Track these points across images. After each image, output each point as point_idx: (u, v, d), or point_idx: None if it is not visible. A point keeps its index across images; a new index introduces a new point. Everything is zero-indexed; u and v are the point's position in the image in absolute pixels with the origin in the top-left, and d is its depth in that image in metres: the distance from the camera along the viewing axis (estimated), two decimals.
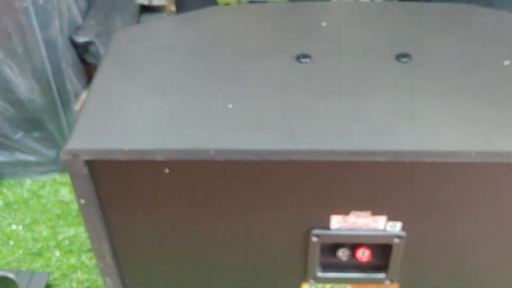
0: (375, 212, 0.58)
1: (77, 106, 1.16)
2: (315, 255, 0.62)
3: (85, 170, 0.55)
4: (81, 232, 1.02)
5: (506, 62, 0.61)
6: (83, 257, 0.97)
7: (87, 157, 0.54)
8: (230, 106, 0.57)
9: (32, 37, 1.01)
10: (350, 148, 0.52)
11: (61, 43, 1.09)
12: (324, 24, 0.71)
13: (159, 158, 0.53)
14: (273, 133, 0.54)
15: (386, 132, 0.53)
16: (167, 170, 0.55)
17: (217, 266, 0.65)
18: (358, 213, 0.58)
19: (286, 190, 0.57)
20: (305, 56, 0.64)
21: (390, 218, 0.58)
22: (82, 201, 0.58)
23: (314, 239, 0.60)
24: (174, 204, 0.59)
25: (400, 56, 0.63)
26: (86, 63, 1.19)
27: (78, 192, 0.57)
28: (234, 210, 0.59)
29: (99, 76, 0.64)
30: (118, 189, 0.58)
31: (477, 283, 0.64)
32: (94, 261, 0.94)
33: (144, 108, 0.59)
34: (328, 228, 0.60)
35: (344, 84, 0.60)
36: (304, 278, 0.65)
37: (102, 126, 0.57)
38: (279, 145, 0.52)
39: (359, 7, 0.73)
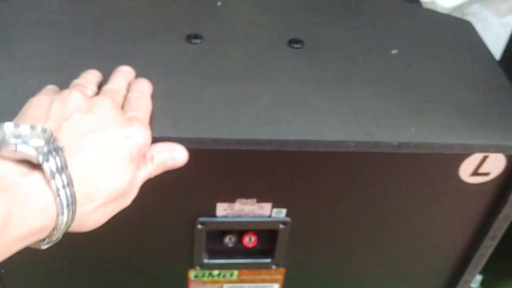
0: (261, 199, 0.58)
1: None
2: (201, 242, 0.61)
3: None
4: None
5: (394, 51, 0.62)
6: None
7: None
8: None
9: None
10: (236, 137, 0.51)
11: None
12: (218, 3, 0.68)
13: None
14: (157, 119, 0.52)
15: (272, 121, 0.52)
16: None
17: (102, 256, 0.63)
18: (244, 200, 0.58)
19: (171, 178, 0.54)
20: (196, 36, 0.62)
21: (275, 205, 0.58)
22: None
23: (200, 226, 0.59)
24: None
25: (292, 42, 0.62)
26: None
27: None
28: None
29: None
30: None
31: (358, 267, 0.67)
32: None
33: (20, 89, 0.54)
34: (214, 215, 0.59)
35: (235, 69, 0.59)
36: (191, 265, 0.64)
37: None
38: (162, 133, 0.50)
39: None
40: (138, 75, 0.56)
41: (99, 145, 0.41)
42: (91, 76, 0.53)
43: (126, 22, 0.64)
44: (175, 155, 0.48)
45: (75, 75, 0.56)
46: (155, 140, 0.50)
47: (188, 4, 0.68)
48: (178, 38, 0.62)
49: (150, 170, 0.47)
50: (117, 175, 0.42)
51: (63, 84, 0.54)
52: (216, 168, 0.54)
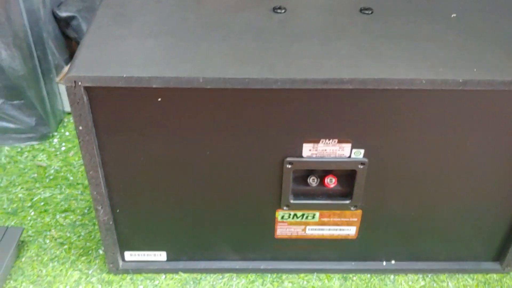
0: (342, 140, 0.66)
1: (58, 79, 1.20)
2: (288, 182, 0.70)
3: (84, 97, 0.61)
4: (57, 194, 1.04)
5: (453, 15, 0.72)
6: (58, 216, 0.99)
7: (87, 84, 0.60)
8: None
9: (14, 6, 1.05)
10: (322, 77, 0.60)
11: (43, 15, 1.13)
12: None
13: (154, 85, 0.60)
14: (255, 66, 0.62)
15: (353, 66, 0.62)
16: (160, 98, 0.62)
17: (199, 194, 0.72)
18: (327, 141, 0.66)
19: (264, 119, 0.64)
20: (280, 8, 0.73)
21: (355, 146, 0.67)
22: (80, 127, 0.64)
23: (288, 166, 0.68)
24: (164, 132, 0.65)
25: (363, 9, 0.72)
26: (68, 37, 1.23)
27: (77, 118, 0.63)
28: (218, 137, 0.66)
29: (95, 23, 0.71)
30: (115, 117, 0.64)
31: (433, 205, 0.74)
32: (68, 220, 0.97)
33: (139, 47, 0.65)
34: (300, 156, 0.68)
35: (315, 31, 0.69)
36: (278, 206, 0.73)
37: (100, 59, 0.63)
38: (260, 75, 0.60)
39: None
40: (234, 38, 0.67)
41: None
42: None
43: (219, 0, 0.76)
44: None
45: (184, 38, 0.67)
46: (254, 81, 0.60)
47: None
48: (265, 10, 0.73)
49: None
50: None
51: (174, 45, 0.66)
52: (303, 108, 0.63)
